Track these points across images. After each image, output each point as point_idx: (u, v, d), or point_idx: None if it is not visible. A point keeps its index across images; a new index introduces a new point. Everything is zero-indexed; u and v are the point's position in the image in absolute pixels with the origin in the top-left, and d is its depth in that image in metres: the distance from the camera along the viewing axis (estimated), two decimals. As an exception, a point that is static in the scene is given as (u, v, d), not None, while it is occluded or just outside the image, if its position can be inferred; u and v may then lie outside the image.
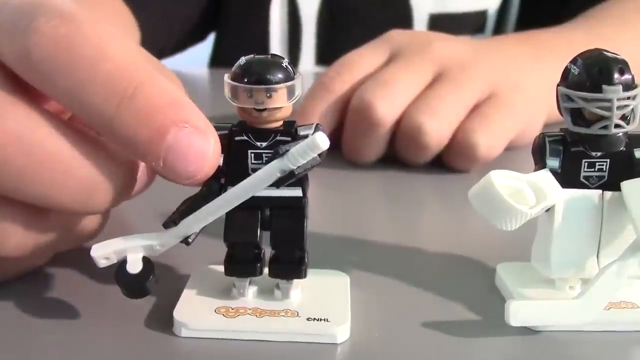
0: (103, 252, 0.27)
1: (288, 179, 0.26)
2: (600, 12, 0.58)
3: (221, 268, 0.28)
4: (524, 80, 0.47)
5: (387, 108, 0.43)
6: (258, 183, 0.26)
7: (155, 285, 0.27)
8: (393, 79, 0.43)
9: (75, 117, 0.30)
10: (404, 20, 0.66)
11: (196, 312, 0.27)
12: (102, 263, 0.27)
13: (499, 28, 0.71)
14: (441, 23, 0.67)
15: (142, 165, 0.28)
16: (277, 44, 0.68)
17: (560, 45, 0.51)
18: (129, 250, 0.27)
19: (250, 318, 0.27)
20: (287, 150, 0.25)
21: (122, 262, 0.27)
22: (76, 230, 0.29)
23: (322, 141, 0.25)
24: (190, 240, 0.27)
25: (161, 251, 0.27)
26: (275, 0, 0.66)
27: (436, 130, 0.42)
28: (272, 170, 0.26)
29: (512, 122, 0.44)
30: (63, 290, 0.30)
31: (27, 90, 0.26)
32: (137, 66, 0.25)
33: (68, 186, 0.25)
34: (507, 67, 0.47)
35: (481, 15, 0.69)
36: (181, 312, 0.27)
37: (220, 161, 0.27)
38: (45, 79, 0.25)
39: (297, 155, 0.25)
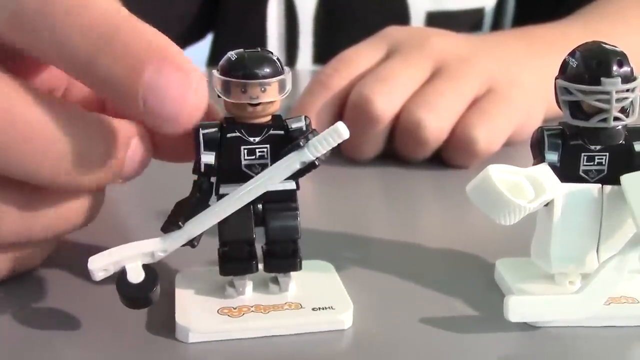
0: (101, 264, 0.26)
1: (307, 170, 0.26)
2: (596, 8, 0.59)
3: (204, 269, 0.28)
4: (522, 75, 0.47)
5: (385, 103, 0.43)
6: (276, 176, 0.26)
7: (157, 294, 0.26)
8: (392, 75, 0.43)
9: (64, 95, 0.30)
10: (401, 18, 0.66)
11: (199, 316, 0.27)
12: (100, 276, 0.26)
13: (496, 26, 0.71)
14: (438, 21, 0.67)
15: (134, 143, 0.27)
16: (274, 42, 0.68)
17: (556, 40, 0.52)
18: (128, 259, 0.26)
19: (256, 315, 0.27)
20: (307, 141, 0.25)
21: (122, 273, 0.26)
22: (69, 214, 0.29)
23: (343, 129, 0.25)
24: (195, 242, 0.27)
25: (162, 257, 0.26)
26: (271, 0, 0.66)
27: (435, 125, 0.42)
28: (292, 161, 0.26)
29: (511, 116, 0.44)
30: (57, 297, 0.29)
31: (8, 65, 0.26)
32: (116, 12, 0.25)
33: (49, 159, 0.25)
34: (504, 62, 0.47)
35: (478, 13, 0.69)
36: (184, 317, 0.27)
37: (211, 159, 0.27)
38: (34, 36, 0.25)
39: (319, 145, 0.25)
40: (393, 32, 0.49)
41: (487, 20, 0.70)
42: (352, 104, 0.43)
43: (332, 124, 0.44)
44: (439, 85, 0.43)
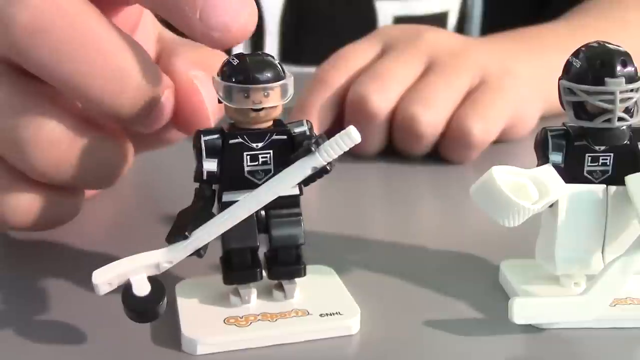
0: (105, 278, 0.25)
1: (319, 175, 0.26)
2: (583, 10, 0.59)
3: (205, 277, 0.28)
4: (514, 65, 0.47)
5: (381, 100, 0.43)
6: (286, 182, 0.26)
7: (164, 307, 0.25)
8: (386, 72, 0.44)
9: None
10: (369, 21, 0.66)
11: (206, 327, 0.26)
12: (104, 290, 0.25)
13: (461, 30, 0.72)
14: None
15: (168, 92, 0.29)
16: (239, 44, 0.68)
17: (547, 36, 0.52)
18: (133, 272, 0.25)
19: (264, 324, 0.27)
20: (318, 146, 0.25)
21: (128, 286, 0.25)
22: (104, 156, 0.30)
23: (355, 133, 0.25)
24: (202, 252, 0.26)
25: (167, 268, 0.26)
26: None
27: (430, 120, 0.43)
28: (304, 167, 0.25)
29: (504, 105, 0.45)
30: (62, 310, 0.28)
31: None
32: None
33: (102, 71, 0.27)
34: (497, 54, 0.48)
35: (443, 17, 0.70)
36: (190, 328, 0.26)
37: (213, 166, 0.27)
38: None
39: (331, 150, 0.25)
40: (387, 30, 0.50)
41: (452, 23, 0.70)
42: (350, 102, 0.44)
43: (334, 120, 0.45)
44: (432, 80, 0.44)
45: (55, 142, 0.28)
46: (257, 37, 0.66)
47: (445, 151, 0.45)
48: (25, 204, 0.29)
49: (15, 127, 0.27)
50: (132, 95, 0.27)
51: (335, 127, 0.45)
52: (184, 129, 0.32)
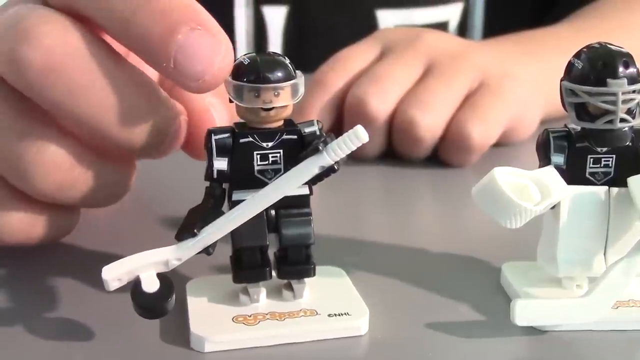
0: (115, 274, 0.25)
1: (326, 174, 0.26)
2: (584, 12, 0.59)
3: (215, 276, 0.28)
4: (515, 68, 0.47)
5: (380, 103, 0.43)
6: (294, 181, 0.26)
7: (172, 303, 0.25)
8: (385, 74, 0.44)
9: None
10: (371, 31, 0.67)
11: (215, 325, 0.26)
12: (114, 285, 0.25)
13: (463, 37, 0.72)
14: None
15: (182, 119, 0.29)
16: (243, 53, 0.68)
17: (548, 39, 0.52)
18: (142, 268, 0.25)
19: (272, 323, 0.27)
20: (326, 145, 0.25)
21: (137, 282, 0.25)
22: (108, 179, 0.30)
23: (363, 133, 0.25)
24: (211, 250, 0.26)
25: (176, 265, 0.26)
26: (239, 12, 0.66)
27: (429, 123, 0.43)
28: (311, 166, 0.25)
29: (504, 108, 0.45)
30: (70, 306, 0.29)
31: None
32: None
33: (114, 108, 0.27)
34: (497, 57, 0.48)
35: (444, 26, 0.70)
36: (198, 326, 0.26)
37: (223, 165, 0.27)
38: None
39: (338, 149, 0.25)
40: (386, 32, 0.50)
41: (452, 33, 0.71)
42: (348, 105, 0.44)
43: (333, 122, 0.45)
44: (431, 83, 0.44)
45: (57, 164, 0.28)
46: (260, 48, 0.66)
47: (444, 154, 0.45)
48: (16, 221, 0.29)
49: (17, 149, 0.27)
50: (144, 129, 0.28)
51: (334, 129, 0.45)
52: (194, 155, 0.31)
